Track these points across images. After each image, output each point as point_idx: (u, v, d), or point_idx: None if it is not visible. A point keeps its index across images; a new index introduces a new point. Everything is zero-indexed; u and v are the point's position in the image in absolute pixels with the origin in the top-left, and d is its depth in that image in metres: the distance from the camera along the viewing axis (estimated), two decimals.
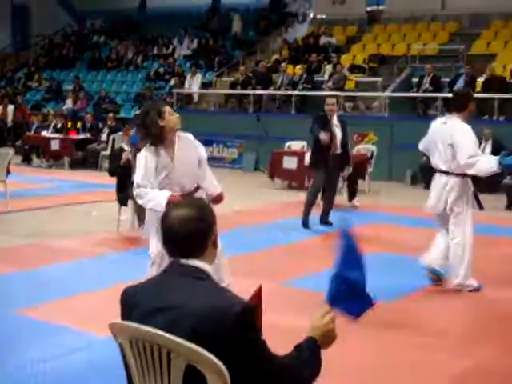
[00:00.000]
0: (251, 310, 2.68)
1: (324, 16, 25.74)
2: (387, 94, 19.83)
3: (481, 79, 18.73)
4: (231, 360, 2.57)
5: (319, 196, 11.81)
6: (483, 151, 16.09)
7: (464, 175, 7.47)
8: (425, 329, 6.37)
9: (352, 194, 13.68)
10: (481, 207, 7.88)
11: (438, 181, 7.66)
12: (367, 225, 11.33)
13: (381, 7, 25.45)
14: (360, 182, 14.77)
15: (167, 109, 5.98)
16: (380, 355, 5.65)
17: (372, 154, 16.41)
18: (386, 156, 17.53)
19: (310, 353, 2.86)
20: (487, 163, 7.25)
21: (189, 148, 6.10)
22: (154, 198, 5.83)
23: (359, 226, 10.71)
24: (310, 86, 20.61)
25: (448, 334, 6.21)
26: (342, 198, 13.58)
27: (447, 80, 19.28)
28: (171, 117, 5.92)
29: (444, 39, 22.54)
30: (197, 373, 2.59)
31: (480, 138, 16.17)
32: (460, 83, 18.64)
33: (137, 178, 6.01)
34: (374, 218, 12.23)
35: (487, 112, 18.06)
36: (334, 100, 11.71)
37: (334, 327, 2.99)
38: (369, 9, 25.47)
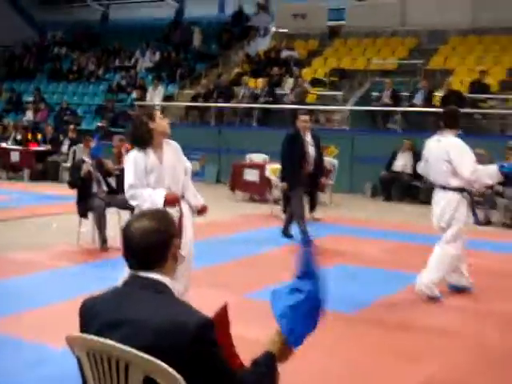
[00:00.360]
0: (210, 325, 2.65)
1: (285, 30, 25.86)
2: (348, 107, 19.97)
3: (439, 94, 18.96)
4: (191, 374, 2.55)
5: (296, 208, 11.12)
6: None
7: (460, 189, 7.64)
8: (384, 338, 6.39)
9: (313, 207, 13.68)
10: (477, 221, 8.11)
11: (437, 196, 7.83)
12: (329, 236, 11.39)
13: (341, 22, 25.62)
14: (321, 194, 14.82)
15: (158, 113, 6.11)
16: (342, 365, 5.66)
17: (333, 167, 16.48)
18: (347, 169, 17.63)
19: (266, 368, 2.85)
20: (487, 177, 7.58)
21: (176, 155, 6.14)
22: (150, 197, 5.80)
23: (321, 237, 10.81)
24: (271, 99, 20.68)
25: (405, 345, 6.22)
26: None
27: (406, 94, 19.50)
28: (161, 121, 6.02)
29: (403, 54, 22.77)
30: None
31: None
32: (418, 97, 18.89)
33: (128, 178, 5.97)
34: (335, 229, 12.29)
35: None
36: (308, 116, 10.95)
37: (283, 343, 2.96)
38: (330, 23, 25.62)
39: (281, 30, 26.09)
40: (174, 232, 2.90)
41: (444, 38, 22.76)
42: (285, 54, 23.86)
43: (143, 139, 5.97)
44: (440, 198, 7.74)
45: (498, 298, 7.98)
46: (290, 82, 21.77)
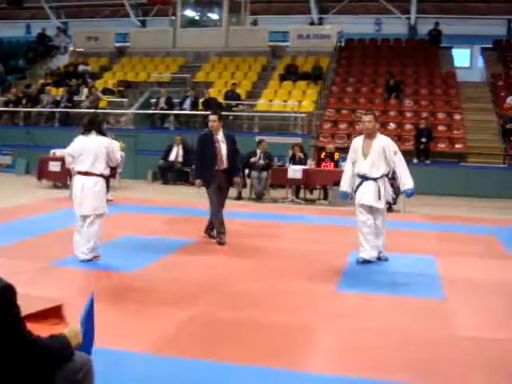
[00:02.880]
0: (11, 289, 2.49)
1: (81, 49, 24.98)
2: (132, 111, 19.74)
3: (203, 100, 19.25)
4: None
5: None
6: None
7: None
8: (160, 292, 6.25)
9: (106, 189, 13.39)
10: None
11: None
12: (118, 214, 11.20)
13: (127, 43, 25.22)
14: (112, 179, 14.53)
15: None
16: (118, 312, 5.47)
17: (122, 158, 16.22)
18: (132, 159, 17.43)
19: (60, 342, 2.74)
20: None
21: None
22: None
23: (112, 214, 10.60)
24: (70, 105, 19.94)
25: (169, 293, 6.15)
26: None
27: (178, 100, 19.60)
28: None
29: (175, 69, 22.79)
30: None
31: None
32: (187, 103, 19.07)
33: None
34: (123, 208, 12.07)
35: (207, 125, 18.56)
36: (215, 117, 8.93)
37: (78, 332, 2.90)
38: (117, 45, 25.12)
39: (77, 49, 25.16)
40: None
41: (206, 58, 23.06)
42: (81, 68, 23.02)
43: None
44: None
45: (240, 252, 8.26)
46: (85, 91, 21.06)
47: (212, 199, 8.92)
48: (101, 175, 7.42)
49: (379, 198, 7.64)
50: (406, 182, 7.57)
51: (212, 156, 8.80)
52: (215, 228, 9.00)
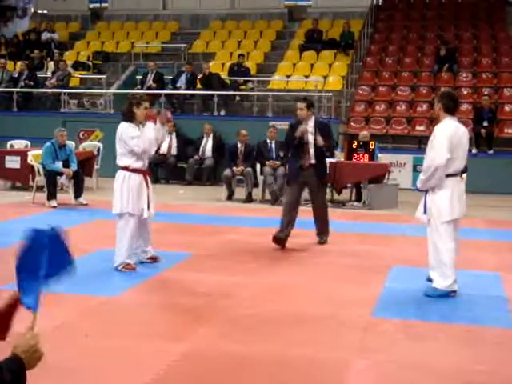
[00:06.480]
0: None
1: (45, 11, 25.19)
2: (112, 91, 19.86)
3: (201, 76, 19.36)
4: None
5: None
6: (205, 146, 16.68)
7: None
8: (147, 321, 6.33)
9: (78, 192, 13.50)
10: None
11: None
12: (97, 221, 11.29)
13: (104, 4, 25.39)
14: (88, 179, 14.67)
15: (145, 104, 8.16)
16: (102, 349, 5.47)
17: (98, 151, 16.37)
18: (113, 153, 17.47)
19: (11, 374, 2.52)
20: None
21: None
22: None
23: (87, 222, 10.68)
24: (32, 83, 20.09)
25: (160, 323, 6.23)
26: (68, 196, 13.41)
27: (170, 77, 19.71)
28: (143, 111, 8.09)
29: (166, 38, 22.96)
30: None
31: (202, 134, 16.86)
32: (182, 80, 19.18)
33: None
34: (103, 214, 12.07)
35: (208, 108, 18.70)
36: (303, 104, 9.66)
37: (37, 343, 2.64)
38: (91, 5, 25.31)
39: (40, 11, 25.38)
40: None
41: (205, 22, 23.20)
42: (45, 36, 23.23)
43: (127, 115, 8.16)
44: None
45: (250, 268, 8.31)
46: (51, 65, 21.25)
47: (287, 197, 9.95)
48: (125, 168, 8.37)
49: None
50: None
51: (296, 148, 9.63)
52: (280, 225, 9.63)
